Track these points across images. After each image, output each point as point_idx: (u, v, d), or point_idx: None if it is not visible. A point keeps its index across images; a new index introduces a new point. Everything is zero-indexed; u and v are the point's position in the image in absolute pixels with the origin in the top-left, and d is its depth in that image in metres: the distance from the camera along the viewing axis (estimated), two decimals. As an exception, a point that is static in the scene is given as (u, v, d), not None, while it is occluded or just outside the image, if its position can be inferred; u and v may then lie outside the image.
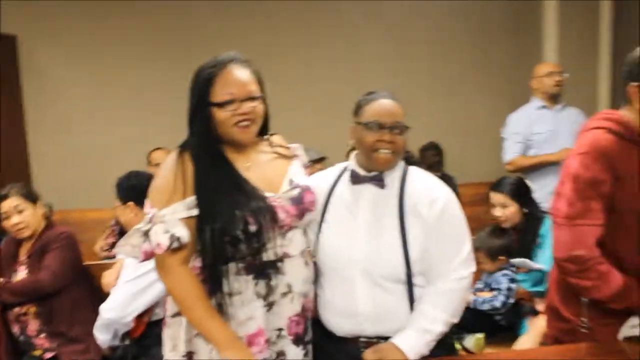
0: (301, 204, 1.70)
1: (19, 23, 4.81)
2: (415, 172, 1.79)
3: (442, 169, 4.68)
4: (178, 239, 1.57)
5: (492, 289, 2.82)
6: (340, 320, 1.75)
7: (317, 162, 4.62)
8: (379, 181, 1.74)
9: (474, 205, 4.72)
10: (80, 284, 2.70)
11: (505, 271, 2.81)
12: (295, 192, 1.72)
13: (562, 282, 1.82)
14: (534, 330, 2.55)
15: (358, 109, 1.77)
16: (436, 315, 1.65)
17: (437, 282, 1.69)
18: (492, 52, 5.16)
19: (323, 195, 1.82)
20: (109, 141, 4.98)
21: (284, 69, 4.89)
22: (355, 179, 1.77)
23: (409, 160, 1.85)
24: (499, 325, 2.81)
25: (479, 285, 2.89)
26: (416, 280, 1.69)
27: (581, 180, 1.67)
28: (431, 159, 4.58)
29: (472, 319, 2.72)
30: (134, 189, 2.46)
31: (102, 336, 2.39)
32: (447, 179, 4.56)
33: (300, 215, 1.71)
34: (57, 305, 2.60)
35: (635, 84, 1.69)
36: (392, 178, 1.75)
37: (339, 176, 1.84)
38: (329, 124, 4.30)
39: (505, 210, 2.87)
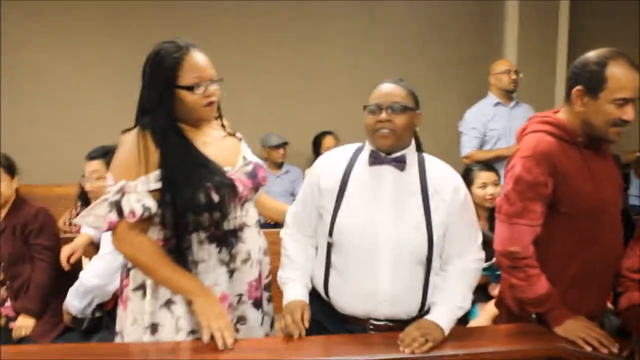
0: (255, 179, 1.86)
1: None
2: (431, 158, 1.85)
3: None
4: (149, 209, 1.68)
5: None
6: (354, 301, 1.79)
7: (280, 147, 4.71)
8: (399, 162, 1.77)
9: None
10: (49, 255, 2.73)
11: None
12: (250, 167, 1.87)
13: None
14: (484, 314, 2.59)
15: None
16: (466, 293, 1.78)
17: (459, 262, 1.80)
18: (455, 51, 5.25)
19: (339, 176, 1.83)
20: (79, 118, 4.95)
21: (283, 61, 4.98)
22: (375, 159, 1.79)
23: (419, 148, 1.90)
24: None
25: None
26: (434, 263, 1.78)
27: (523, 182, 1.76)
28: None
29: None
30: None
31: (77, 302, 2.43)
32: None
33: (255, 188, 1.87)
34: (23, 275, 2.65)
35: (579, 87, 1.76)
36: (411, 161, 1.79)
37: (354, 157, 1.86)
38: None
39: (497, 188, 2.95)
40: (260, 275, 1.90)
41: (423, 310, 1.79)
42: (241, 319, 1.84)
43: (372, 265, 1.75)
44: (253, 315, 1.86)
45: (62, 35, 4.96)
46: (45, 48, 4.96)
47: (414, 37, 5.23)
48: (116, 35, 4.96)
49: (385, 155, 1.78)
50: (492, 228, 2.84)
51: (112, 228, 1.70)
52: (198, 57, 1.75)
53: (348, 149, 1.90)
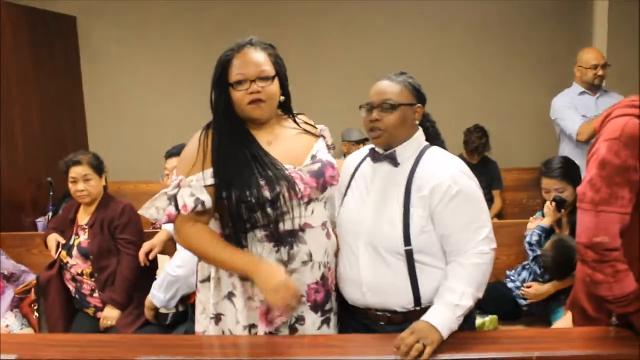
0: (321, 178, 1.81)
1: (78, 5, 5.07)
2: (433, 151, 1.82)
3: (487, 152, 4.66)
4: (203, 202, 1.72)
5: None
6: (350, 290, 1.83)
7: (361, 143, 4.69)
8: (392, 159, 1.80)
9: (517, 191, 4.72)
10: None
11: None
12: (317, 166, 1.82)
13: (588, 280, 1.75)
14: (569, 315, 2.50)
15: None
16: (464, 290, 1.67)
17: (459, 258, 1.71)
18: (539, 35, 5.05)
19: (350, 173, 1.92)
20: (162, 117, 5.19)
21: (316, 50, 5.01)
22: (374, 157, 1.84)
23: (432, 136, 1.89)
24: (521, 310, 2.84)
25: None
26: (418, 257, 1.73)
27: (610, 167, 1.62)
28: (476, 141, 4.55)
29: (494, 300, 2.77)
30: None
31: (162, 295, 2.53)
32: (489, 163, 4.58)
33: (321, 188, 1.82)
34: (110, 268, 2.79)
35: None
36: (409, 157, 1.80)
37: (367, 155, 1.90)
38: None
39: (561, 195, 2.82)
40: (324, 278, 1.84)
41: (422, 304, 1.74)
42: (300, 320, 1.83)
43: (355, 257, 1.80)
44: (311, 318, 1.83)
45: (139, 37, 5.25)
46: (123, 51, 5.27)
47: (495, 20, 5.10)
48: (191, 36, 5.16)
49: (383, 152, 1.81)
50: (572, 233, 2.74)
51: (171, 220, 1.77)
52: (249, 55, 1.77)
53: (366, 149, 1.93)
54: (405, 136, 1.80)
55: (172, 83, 5.23)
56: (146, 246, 2.78)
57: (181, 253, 2.49)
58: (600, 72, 3.65)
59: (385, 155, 1.81)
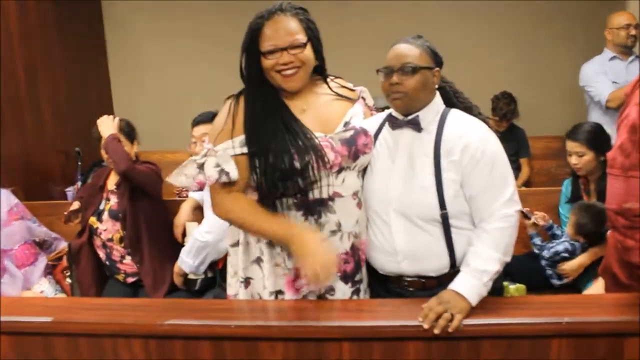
0: (353, 146, 1.77)
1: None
2: (454, 114, 1.79)
3: (515, 119, 4.59)
4: (228, 174, 1.71)
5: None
6: (382, 259, 1.82)
7: (383, 110, 4.64)
8: (415, 124, 1.77)
9: (545, 158, 4.66)
10: (160, 216, 2.93)
11: (574, 242, 2.77)
12: (349, 133, 1.78)
13: (619, 246, 1.73)
14: (599, 283, 2.44)
15: None
16: (489, 254, 1.65)
17: (483, 223, 1.70)
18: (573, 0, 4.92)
19: None
20: (185, 87, 5.21)
21: (343, 13, 4.95)
22: (394, 124, 1.81)
23: (450, 94, 1.86)
24: (550, 284, 2.82)
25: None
26: (453, 221, 1.72)
27: None
28: (504, 107, 4.48)
29: (524, 271, 2.77)
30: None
31: (190, 260, 2.57)
32: (516, 130, 4.51)
33: (353, 156, 1.78)
34: (139, 232, 2.82)
35: None
36: (430, 121, 1.77)
37: (384, 122, 1.87)
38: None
39: (581, 158, 2.81)
40: (354, 248, 1.82)
41: (456, 267, 1.73)
42: (329, 290, 1.82)
43: (387, 226, 1.77)
44: (341, 288, 1.82)
45: (162, 7, 5.24)
46: (147, 21, 5.31)
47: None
48: (214, 4, 5.12)
49: (403, 117, 1.78)
50: (600, 196, 2.70)
51: (201, 188, 1.78)
52: (280, 22, 1.73)
53: (381, 115, 1.91)
54: (425, 100, 1.77)
55: (196, 52, 5.23)
56: (178, 230, 2.83)
57: (209, 218, 2.51)
58: (633, 32, 3.55)
59: (407, 121, 1.78)
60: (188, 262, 2.59)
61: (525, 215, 2.82)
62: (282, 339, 1.64)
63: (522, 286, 2.78)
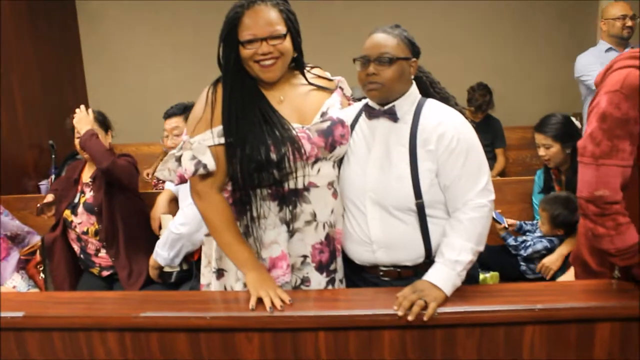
0: (330, 137, 1.76)
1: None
2: (430, 104, 1.79)
3: (491, 110, 4.63)
4: (205, 165, 1.69)
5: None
6: (358, 249, 1.82)
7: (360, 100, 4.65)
8: (391, 114, 1.77)
9: (520, 149, 4.71)
10: (136, 208, 2.90)
11: (552, 238, 2.79)
12: (325, 124, 1.78)
13: (590, 234, 1.75)
14: (571, 272, 2.46)
15: None
16: (462, 244, 1.66)
17: (457, 212, 1.71)
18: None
19: None
20: (161, 80, 5.16)
21: (325, 6, 4.92)
22: (370, 113, 1.81)
23: (427, 84, 1.86)
24: (524, 276, 2.84)
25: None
26: (428, 211, 1.73)
27: (610, 119, 1.60)
28: (480, 99, 4.51)
29: (498, 264, 2.81)
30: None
31: (165, 253, 2.55)
32: (492, 121, 4.55)
33: (329, 147, 1.77)
34: (115, 225, 2.79)
35: None
36: (406, 111, 1.77)
37: (360, 112, 1.87)
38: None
39: (548, 150, 2.85)
40: (329, 238, 1.83)
41: (432, 256, 1.74)
42: (305, 280, 1.83)
43: (363, 215, 1.78)
44: (316, 278, 1.82)
45: (136, 2, 5.15)
46: (121, 15, 5.23)
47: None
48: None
49: (379, 107, 1.78)
50: (569, 186, 2.73)
51: (183, 181, 1.75)
52: (259, 12, 1.70)
53: (357, 105, 1.90)
54: (402, 90, 1.77)
55: (171, 45, 5.19)
56: (155, 220, 2.81)
57: (185, 210, 2.50)
58: (629, 23, 3.51)
59: (384, 111, 1.78)
60: (163, 254, 2.57)
61: (495, 220, 2.83)
62: (258, 330, 1.64)
63: (495, 273, 2.82)
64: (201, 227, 2.39)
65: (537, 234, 2.86)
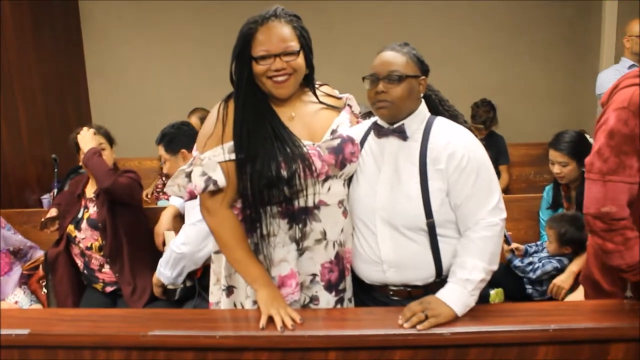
0: (340, 154, 1.75)
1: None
2: (440, 122, 1.78)
3: (494, 126, 4.64)
4: (215, 182, 1.68)
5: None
6: (367, 268, 1.80)
7: (367, 116, 4.65)
8: (400, 133, 1.76)
9: (524, 165, 4.70)
10: (140, 224, 2.87)
11: (561, 258, 2.75)
12: (336, 142, 1.77)
13: (600, 252, 1.75)
14: (580, 290, 2.47)
15: None
16: (474, 263, 1.64)
17: (468, 232, 1.69)
18: (548, 11, 4.98)
19: None
20: (165, 93, 5.17)
21: (325, 23, 4.92)
22: (379, 132, 1.80)
23: (436, 102, 1.85)
24: (529, 297, 2.80)
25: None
26: (439, 230, 1.71)
27: (618, 136, 1.62)
28: (483, 115, 4.52)
29: (503, 280, 2.74)
30: (186, 136, 2.61)
31: (168, 272, 2.52)
32: (495, 137, 4.55)
33: (340, 165, 1.76)
34: (119, 241, 2.76)
35: None
36: (415, 129, 1.76)
37: (369, 130, 1.86)
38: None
39: (564, 168, 2.83)
40: (338, 257, 1.81)
41: (443, 276, 1.73)
42: (314, 299, 1.81)
43: (373, 235, 1.76)
44: (325, 297, 1.80)
45: (140, 14, 5.20)
46: (125, 28, 5.25)
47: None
48: (192, 10, 5.10)
49: (388, 126, 1.77)
50: (579, 203, 2.72)
51: (192, 197, 1.74)
52: (273, 29, 1.70)
53: (366, 123, 1.89)
54: (411, 108, 1.76)
55: (174, 59, 5.19)
56: (159, 239, 2.78)
57: (186, 230, 2.48)
58: None
59: (393, 129, 1.77)
60: (165, 273, 2.55)
61: (506, 240, 2.81)
62: (267, 349, 1.62)
63: (500, 290, 2.78)
64: (203, 246, 2.40)
65: (544, 253, 2.83)
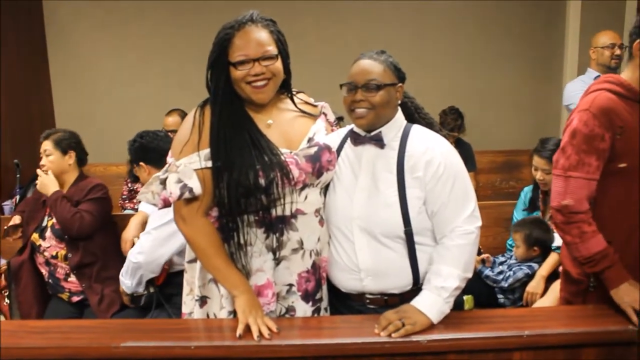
0: (317, 162, 1.74)
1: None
2: (417, 130, 1.78)
3: (462, 134, 4.70)
4: (191, 189, 1.65)
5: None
6: (344, 277, 1.79)
7: (338, 121, 4.65)
8: (377, 141, 1.75)
9: (490, 172, 4.78)
10: (108, 232, 2.81)
11: (531, 263, 2.79)
12: (313, 150, 1.75)
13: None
14: (550, 294, 2.54)
15: None
16: (449, 271, 1.65)
17: (444, 240, 1.69)
18: (515, 18, 5.09)
19: None
20: (132, 96, 5.07)
21: (297, 27, 4.90)
22: (356, 139, 1.79)
23: (412, 110, 1.86)
24: (501, 306, 2.83)
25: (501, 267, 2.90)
26: (417, 238, 1.72)
27: (579, 135, 1.74)
28: (451, 122, 4.57)
29: (473, 287, 2.78)
30: (142, 149, 2.57)
31: (128, 281, 2.49)
32: (462, 145, 4.61)
33: (317, 173, 1.74)
34: (86, 250, 2.70)
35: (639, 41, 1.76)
36: (393, 137, 1.76)
37: (346, 137, 1.85)
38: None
39: (547, 175, 2.85)
40: (315, 266, 1.79)
41: (419, 284, 1.74)
42: (290, 310, 1.79)
43: (350, 243, 1.76)
44: (302, 307, 1.78)
45: (106, 15, 5.08)
46: (90, 29, 5.14)
47: (473, 3, 5.09)
48: (161, 12, 5.03)
49: (365, 134, 1.77)
50: None
51: (167, 205, 1.70)
52: (251, 33, 1.68)
53: (343, 131, 1.89)
54: (388, 116, 1.77)
55: (141, 61, 5.09)
56: (127, 242, 2.68)
57: (141, 239, 2.45)
58: (618, 52, 3.56)
59: (370, 137, 1.77)
60: (126, 282, 2.52)
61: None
62: (244, 359, 1.60)
63: (470, 296, 2.80)
64: (159, 255, 2.38)
65: (512, 260, 2.88)
